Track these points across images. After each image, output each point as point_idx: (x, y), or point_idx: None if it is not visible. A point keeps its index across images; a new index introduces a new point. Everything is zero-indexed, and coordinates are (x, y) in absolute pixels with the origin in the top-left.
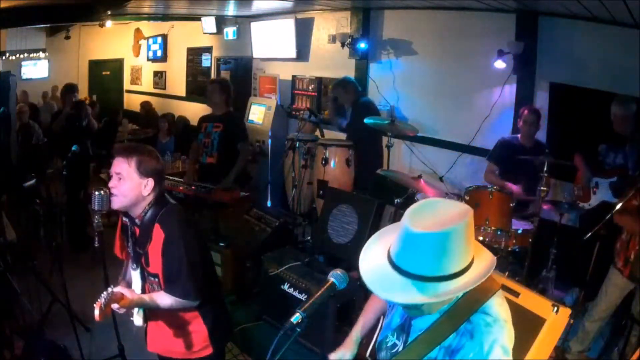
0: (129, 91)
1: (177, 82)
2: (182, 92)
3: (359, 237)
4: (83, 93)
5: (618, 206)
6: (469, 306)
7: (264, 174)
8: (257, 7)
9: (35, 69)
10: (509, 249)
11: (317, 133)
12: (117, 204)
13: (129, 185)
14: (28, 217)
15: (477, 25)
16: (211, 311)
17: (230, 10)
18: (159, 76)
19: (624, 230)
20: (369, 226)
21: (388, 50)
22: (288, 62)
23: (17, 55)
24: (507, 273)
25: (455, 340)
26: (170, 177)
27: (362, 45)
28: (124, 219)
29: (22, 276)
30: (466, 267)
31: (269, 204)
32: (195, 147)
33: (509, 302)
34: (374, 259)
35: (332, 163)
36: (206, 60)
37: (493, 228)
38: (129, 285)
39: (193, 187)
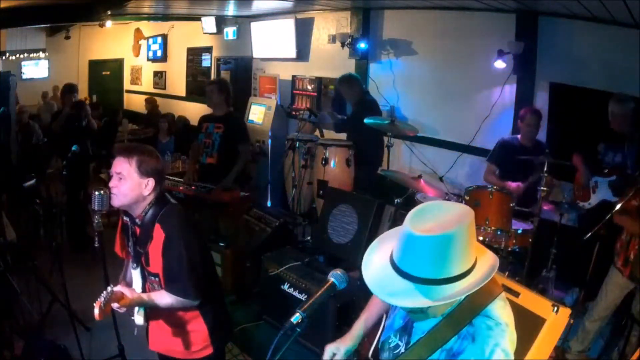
0: (129, 91)
1: (177, 82)
2: (182, 92)
3: (359, 237)
4: (83, 93)
5: (618, 206)
6: (471, 309)
7: (264, 174)
8: (257, 7)
9: (35, 69)
10: (509, 249)
11: (317, 133)
12: (117, 202)
13: (129, 185)
14: (28, 217)
15: (477, 25)
16: (211, 311)
17: (230, 10)
18: (159, 76)
19: (624, 230)
20: (369, 226)
21: (388, 50)
22: (288, 62)
23: (17, 55)
24: (507, 273)
25: (457, 343)
26: (170, 177)
27: (362, 45)
28: (125, 218)
29: (22, 276)
30: (469, 269)
31: (269, 204)
32: (196, 147)
33: (509, 302)
34: (377, 263)
35: (332, 163)
36: (206, 60)
37: (493, 228)
38: (129, 284)
39: (193, 187)
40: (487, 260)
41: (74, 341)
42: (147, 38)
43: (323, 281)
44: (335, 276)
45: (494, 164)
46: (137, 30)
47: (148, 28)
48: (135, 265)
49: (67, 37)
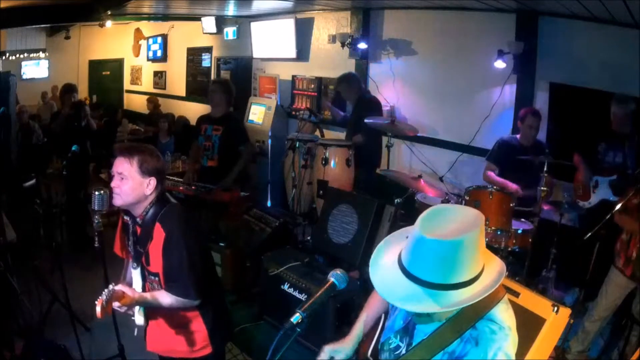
0: (129, 91)
1: (177, 82)
2: (182, 92)
3: (359, 237)
4: (83, 93)
5: (618, 206)
6: (474, 312)
7: (264, 174)
8: (257, 7)
9: (35, 69)
10: (509, 249)
11: (317, 133)
12: (118, 201)
13: (131, 184)
14: (28, 217)
15: (477, 25)
16: (211, 311)
17: (230, 10)
18: (159, 76)
19: (624, 230)
20: (369, 226)
21: (388, 50)
22: (288, 62)
23: (17, 55)
24: (507, 273)
25: (460, 347)
26: (170, 177)
27: (362, 45)
28: (125, 217)
29: (22, 276)
30: (477, 275)
31: (269, 204)
32: (195, 148)
33: (509, 302)
34: (385, 265)
35: (332, 163)
36: (206, 60)
37: (493, 228)
38: (129, 284)
39: (193, 187)
40: (495, 267)
41: (74, 341)
42: (147, 38)
43: (323, 281)
44: (335, 276)
45: (493, 163)
46: (137, 30)
47: (148, 28)
48: (135, 264)
49: (67, 37)
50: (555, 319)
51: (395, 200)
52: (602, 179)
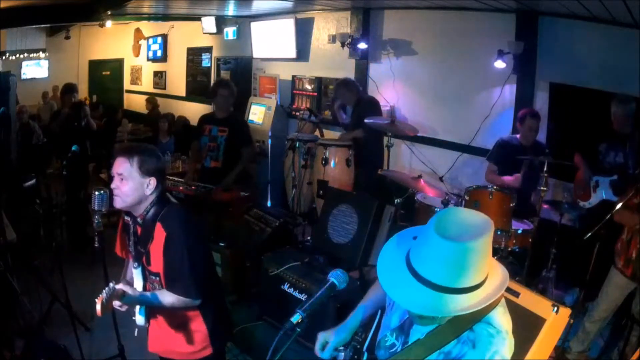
0: (129, 91)
1: (177, 82)
2: (182, 92)
3: (358, 237)
4: (83, 93)
5: (618, 206)
6: (472, 315)
7: (264, 174)
8: (257, 7)
9: (35, 69)
10: (509, 249)
11: (317, 133)
12: (119, 203)
13: (131, 185)
14: (28, 217)
15: (477, 25)
16: (212, 310)
17: (230, 10)
18: (159, 76)
19: (624, 230)
20: (369, 226)
21: (388, 50)
22: (288, 62)
23: (17, 55)
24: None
25: (457, 348)
26: (170, 177)
27: (362, 45)
28: (126, 217)
29: (22, 276)
30: (482, 281)
31: (269, 204)
32: (195, 148)
33: (509, 302)
34: (393, 266)
35: (332, 163)
36: (206, 60)
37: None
38: (130, 284)
39: (193, 187)
40: (498, 274)
41: (74, 341)
42: (147, 38)
43: (323, 281)
44: (335, 276)
45: (493, 162)
46: (137, 30)
47: (148, 28)
48: (136, 264)
49: (67, 37)
50: (555, 319)
51: (395, 200)
52: (602, 179)
